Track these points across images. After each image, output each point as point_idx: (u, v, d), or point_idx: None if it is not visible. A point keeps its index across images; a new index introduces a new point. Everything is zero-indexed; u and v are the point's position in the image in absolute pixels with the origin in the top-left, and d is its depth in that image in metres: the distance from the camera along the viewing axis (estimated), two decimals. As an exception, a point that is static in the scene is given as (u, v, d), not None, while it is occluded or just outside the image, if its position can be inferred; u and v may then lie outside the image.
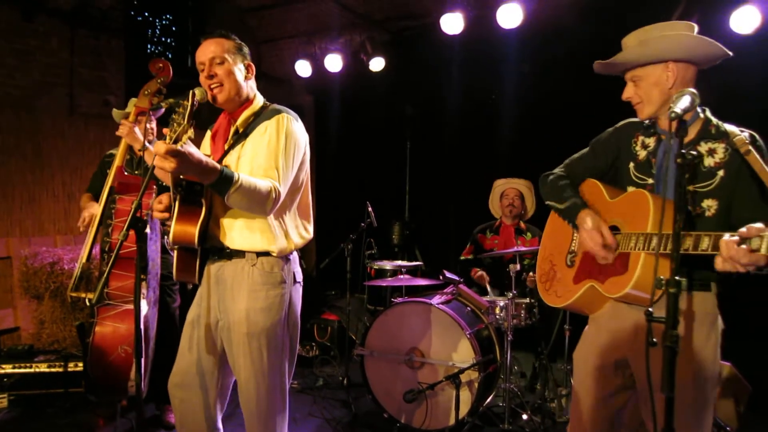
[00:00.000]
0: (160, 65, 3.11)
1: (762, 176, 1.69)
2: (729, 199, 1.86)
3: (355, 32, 6.26)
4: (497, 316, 3.74)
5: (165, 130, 1.92)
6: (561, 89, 5.24)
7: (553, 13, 5.04)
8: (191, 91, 2.03)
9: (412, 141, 6.63)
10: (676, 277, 1.44)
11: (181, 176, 2.06)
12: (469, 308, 3.84)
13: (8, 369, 3.84)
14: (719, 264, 1.56)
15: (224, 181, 1.95)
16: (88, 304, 3.27)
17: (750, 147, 1.75)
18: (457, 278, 3.99)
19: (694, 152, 1.58)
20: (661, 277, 1.47)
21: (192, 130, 1.89)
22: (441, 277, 4.07)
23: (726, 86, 4.06)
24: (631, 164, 2.07)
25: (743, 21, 4.14)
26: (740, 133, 1.84)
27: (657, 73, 1.96)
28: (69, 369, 3.90)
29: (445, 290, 4.02)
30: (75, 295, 3.32)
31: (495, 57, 5.52)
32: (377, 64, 5.90)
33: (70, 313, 4.61)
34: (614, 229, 2.03)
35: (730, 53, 1.93)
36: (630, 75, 2.03)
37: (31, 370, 3.88)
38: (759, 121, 4.40)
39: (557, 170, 2.32)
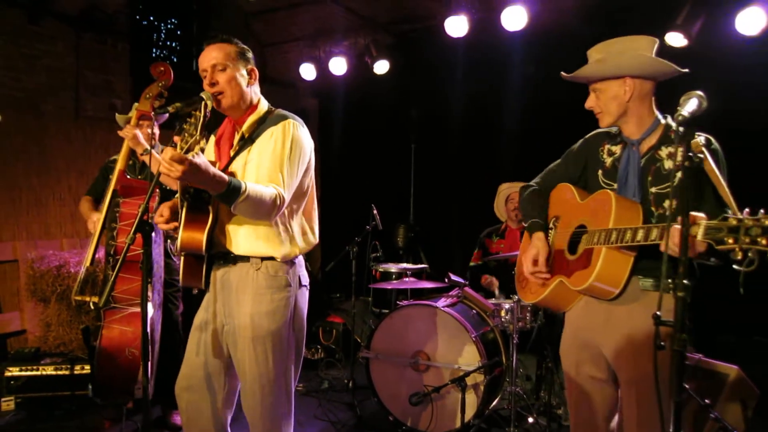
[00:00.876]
0: (161, 69, 3.11)
1: (711, 176, 1.82)
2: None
3: (359, 35, 6.26)
4: (503, 319, 3.73)
5: (176, 138, 1.91)
6: (565, 92, 5.20)
7: (558, 16, 5.04)
8: (203, 102, 2.02)
9: (416, 144, 6.63)
10: (685, 281, 1.45)
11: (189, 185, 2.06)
12: (474, 311, 3.83)
13: (15, 372, 3.85)
14: (663, 248, 1.66)
15: (232, 192, 1.95)
16: (92, 307, 3.28)
17: (703, 149, 1.82)
18: (462, 281, 3.98)
19: (704, 157, 1.60)
20: (669, 280, 1.47)
21: (204, 141, 1.88)
22: (446, 280, 4.06)
23: (732, 86, 4.06)
24: (600, 171, 2.24)
25: (749, 22, 4.12)
26: (697, 137, 1.89)
27: (615, 88, 2.11)
28: (75, 372, 3.91)
29: (450, 293, 4.02)
30: (79, 299, 3.33)
31: (499, 60, 5.51)
32: (382, 67, 5.90)
33: (76, 316, 4.63)
34: (582, 227, 2.18)
35: (683, 70, 2.09)
36: (592, 87, 2.20)
37: (38, 372, 3.89)
38: (764, 120, 4.40)
39: (533, 182, 2.52)
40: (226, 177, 1.95)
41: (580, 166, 2.34)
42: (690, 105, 1.68)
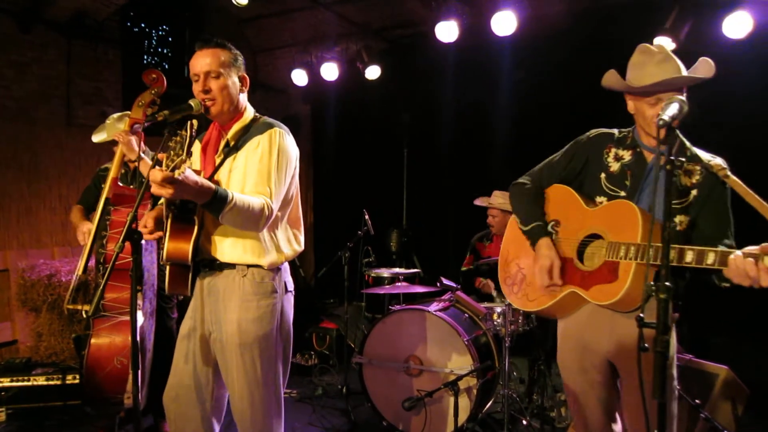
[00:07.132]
0: (154, 76, 3.10)
1: (747, 198, 1.79)
2: (696, 216, 1.97)
3: (351, 41, 6.29)
4: (495, 323, 3.74)
5: (161, 156, 1.90)
6: (555, 95, 5.27)
7: (547, 21, 5.08)
8: (190, 122, 1.99)
9: (408, 148, 6.65)
10: (667, 284, 1.46)
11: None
12: (466, 315, 3.84)
13: (6, 382, 3.82)
14: (732, 277, 1.70)
15: (218, 201, 1.93)
16: (84, 316, 3.26)
17: (728, 171, 1.88)
18: (455, 285, 3.99)
19: (683, 158, 1.61)
20: (651, 282, 1.48)
21: (190, 160, 1.86)
22: (438, 284, 4.07)
23: (718, 90, 4.08)
24: (603, 175, 2.14)
25: (736, 26, 4.16)
26: (712, 159, 1.96)
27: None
28: (67, 382, 3.88)
29: (442, 297, 4.02)
30: (72, 308, 3.31)
31: (489, 64, 5.55)
32: (373, 72, 5.93)
33: (67, 326, 4.60)
34: (596, 237, 2.09)
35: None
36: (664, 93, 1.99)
37: (29, 383, 3.85)
38: (750, 123, 4.44)
39: (525, 179, 2.35)
40: (212, 186, 1.93)
41: (580, 165, 2.22)
42: (671, 109, 1.67)
